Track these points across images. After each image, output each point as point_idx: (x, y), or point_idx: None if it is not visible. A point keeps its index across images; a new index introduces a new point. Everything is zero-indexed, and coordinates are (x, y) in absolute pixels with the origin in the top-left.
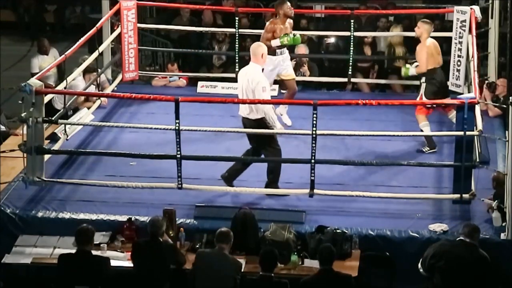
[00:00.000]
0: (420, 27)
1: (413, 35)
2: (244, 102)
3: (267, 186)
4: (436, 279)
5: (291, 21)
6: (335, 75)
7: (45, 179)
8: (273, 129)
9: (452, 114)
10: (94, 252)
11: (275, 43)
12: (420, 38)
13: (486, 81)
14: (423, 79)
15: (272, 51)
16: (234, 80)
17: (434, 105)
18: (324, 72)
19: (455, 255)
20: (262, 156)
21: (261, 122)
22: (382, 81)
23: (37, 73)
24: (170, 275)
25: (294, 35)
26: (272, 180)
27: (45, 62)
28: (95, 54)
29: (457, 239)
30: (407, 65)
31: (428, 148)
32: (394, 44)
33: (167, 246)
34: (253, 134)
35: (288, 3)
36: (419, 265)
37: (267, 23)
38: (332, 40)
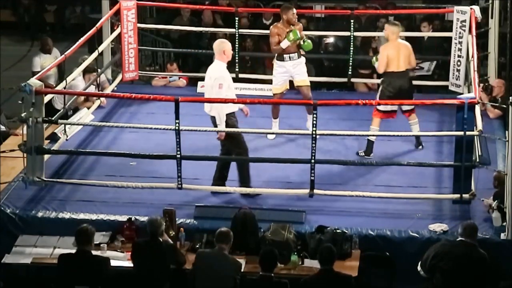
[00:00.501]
0: (386, 29)
1: (414, 35)
2: (244, 102)
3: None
4: (437, 279)
5: (301, 25)
6: (335, 75)
7: (45, 179)
8: (220, 127)
9: (413, 121)
10: (94, 252)
11: (284, 44)
12: (388, 40)
13: (482, 84)
14: (381, 81)
15: (280, 57)
16: (234, 80)
17: (392, 110)
18: (324, 72)
19: (456, 255)
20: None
21: (228, 117)
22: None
23: (38, 71)
24: (170, 275)
25: (304, 41)
26: (242, 181)
27: (47, 61)
28: (95, 54)
29: (457, 239)
30: (374, 59)
31: (363, 153)
32: None
33: (166, 246)
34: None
35: (293, 10)
36: (419, 267)
37: (271, 27)
38: (331, 40)
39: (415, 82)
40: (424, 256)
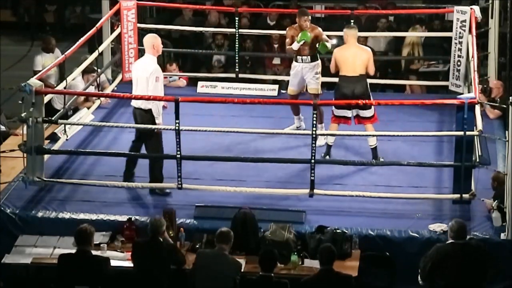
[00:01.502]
0: (344, 32)
1: (415, 35)
2: (244, 102)
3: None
4: (438, 284)
5: (319, 30)
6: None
7: (45, 179)
8: (156, 121)
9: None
10: (94, 252)
11: (295, 46)
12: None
13: (480, 86)
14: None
15: (294, 58)
16: (234, 80)
17: (344, 116)
18: (324, 72)
19: (453, 259)
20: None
21: (151, 113)
22: (382, 81)
23: (40, 71)
24: (170, 275)
25: (319, 44)
26: (154, 178)
27: (48, 61)
28: (95, 54)
29: (448, 242)
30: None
31: (324, 155)
32: (416, 44)
33: (167, 246)
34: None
35: (306, 16)
36: (420, 280)
37: (287, 29)
38: (334, 41)
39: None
40: (421, 267)
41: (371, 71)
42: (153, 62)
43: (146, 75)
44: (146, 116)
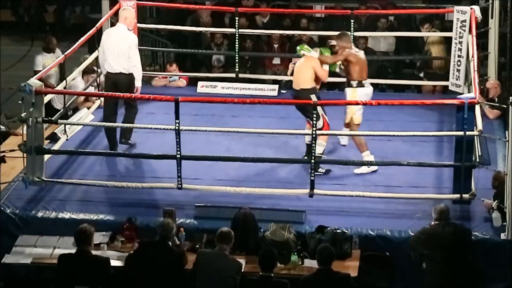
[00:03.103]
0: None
1: (417, 35)
2: (244, 102)
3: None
4: (427, 266)
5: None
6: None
7: (45, 179)
8: (138, 84)
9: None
10: (94, 252)
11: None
12: None
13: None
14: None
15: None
16: (234, 80)
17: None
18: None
19: (438, 236)
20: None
21: (132, 77)
22: (382, 81)
23: (40, 70)
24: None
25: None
26: (125, 139)
27: (49, 61)
28: (95, 54)
29: (432, 224)
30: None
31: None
32: (436, 44)
33: (177, 250)
34: (124, 86)
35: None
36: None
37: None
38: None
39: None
40: (410, 240)
41: (322, 78)
42: (130, 31)
43: (128, 42)
44: (127, 78)
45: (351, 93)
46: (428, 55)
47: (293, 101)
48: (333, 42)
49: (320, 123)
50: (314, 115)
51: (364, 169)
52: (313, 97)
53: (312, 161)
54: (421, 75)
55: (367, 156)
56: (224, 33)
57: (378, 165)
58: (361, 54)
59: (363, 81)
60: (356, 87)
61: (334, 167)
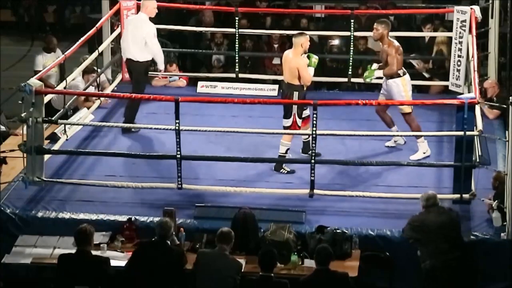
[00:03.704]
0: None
1: (414, 35)
2: (244, 102)
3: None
4: (421, 251)
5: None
6: (338, 75)
7: (45, 179)
8: (161, 67)
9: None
10: (94, 252)
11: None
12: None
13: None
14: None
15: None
16: (234, 80)
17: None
18: (326, 72)
19: (429, 220)
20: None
21: (146, 64)
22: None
23: (40, 70)
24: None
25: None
26: (129, 118)
27: (49, 61)
28: (95, 54)
29: (422, 211)
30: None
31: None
32: (446, 43)
33: (176, 250)
34: (134, 71)
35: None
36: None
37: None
38: (336, 42)
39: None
40: (404, 228)
41: (303, 80)
42: (147, 19)
43: (138, 31)
44: (138, 65)
45: (401, 82)
46: (439, 55)
47: (293, 101)
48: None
49: (289, 121)
50: (314, 115)
51: (420, 154)
52: (295, 94)
53: (312, 161)
54: (426, 75)
55: (422, 143)
56: (224, 33)
57: (378, 165)
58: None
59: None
60: (403, 75)
61: (334, 167)
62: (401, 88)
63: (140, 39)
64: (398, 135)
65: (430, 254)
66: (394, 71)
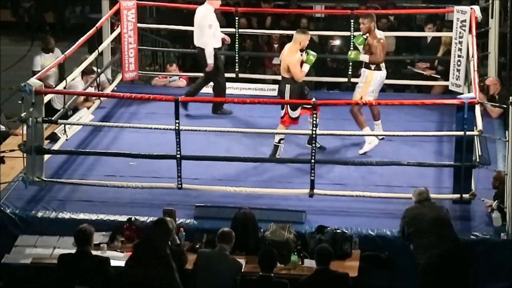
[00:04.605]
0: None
1: (414, 35)
2: (244, 102)
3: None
4: (414, 245)
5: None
6: (338, 75)
7: (45, 179)
8: (209, 61)
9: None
10: (94, 252)
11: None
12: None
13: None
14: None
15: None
16: (234, 80)
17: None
18: (326, 72)
19: (422, 216)
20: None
21: (203, 52)
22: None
23: (39, 71)
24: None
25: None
26: (217, 94)
27: (48, 61)
28: (95, 54)
29: (414, 205)
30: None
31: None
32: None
33: (176, 250)
34: (200, 58)
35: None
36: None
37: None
38: (337, 42)
39: (415, 82)
40: (400, 230)
41: (294, 77)
42: (207, 11)
43: (199, 20)
44: (199, 52)
45: (367, 74)
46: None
47: (293, 101)
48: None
49: (282, 112)
50: (314, 115)
51: (367, 147)
52: (287, 87)
53: (312, 161)
54: (436, 76)
55: (367, 131)
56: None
57: (378, 165)
58: (383, 35)
59: (381, 64)
60: (374, 70)
61: (334, 167)
62: (364, 79)
63: (199, 28)
64: (397, 135)
65: (424, 247)
66: (379, 60)
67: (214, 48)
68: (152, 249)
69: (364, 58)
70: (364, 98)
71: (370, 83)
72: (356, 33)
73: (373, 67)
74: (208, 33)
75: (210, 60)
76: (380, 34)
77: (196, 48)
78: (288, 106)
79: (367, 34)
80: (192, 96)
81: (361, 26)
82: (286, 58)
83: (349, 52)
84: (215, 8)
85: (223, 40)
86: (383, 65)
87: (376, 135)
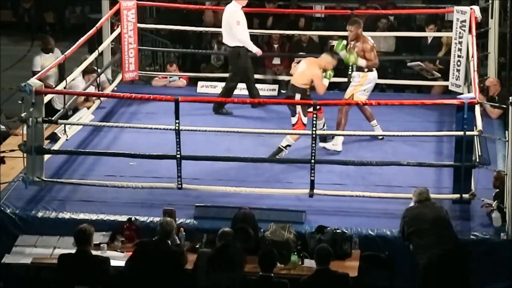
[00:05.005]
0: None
1: (417, 35)
2: (244, 102)
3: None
4: (413, 245)
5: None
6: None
7: (45, 179)
8: (253, 50)
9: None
10: (94, 252)
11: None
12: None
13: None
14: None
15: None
16: None
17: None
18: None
19: (422, 215)
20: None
21: (237, 49)
22: (382, 81)
23: (39, 71)
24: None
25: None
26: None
27: (48, 61)
28: (95, 54)
29: (414, 205)
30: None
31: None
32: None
33: (176, 250)
34: (228, 56)
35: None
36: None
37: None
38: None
39: (415, 82)
40: (400, 230)
41: (317, 90)
42: (235, 8)
43: (227, 18)
44: (232, 51)
45: (360, 76)
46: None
47: (293, 101)
48: (334, 43)
49: (294, 119)
50: (314, 115)
51: (330, 146)
52: (297, 96)
53: (312, 161)
54: (437, 74)
55: (340, 136)
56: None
57: (378, 165)
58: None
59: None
60: (368, 71)
61: (334, 167)
62: (357, 80)
63: (228, 26)
64: (397, 135)
65: (424, 247)
66: (376, 64)
67: (241, 47)
68: (152, 249)
69: (362, 62)
70: (356, 96)
71: (363, 84)
72: (334, 42)
73: (366, 69)
74: (238, 29)
75: (253, 48)
76: (370, 38)
77: (226, 46)
78: (301, 113)
79: (353, 42)
80: (227, 97)
81: (349, 33)
82: (310, 70)
83: (347, 55)
84: (242, 6)
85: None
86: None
87: (377, 135)
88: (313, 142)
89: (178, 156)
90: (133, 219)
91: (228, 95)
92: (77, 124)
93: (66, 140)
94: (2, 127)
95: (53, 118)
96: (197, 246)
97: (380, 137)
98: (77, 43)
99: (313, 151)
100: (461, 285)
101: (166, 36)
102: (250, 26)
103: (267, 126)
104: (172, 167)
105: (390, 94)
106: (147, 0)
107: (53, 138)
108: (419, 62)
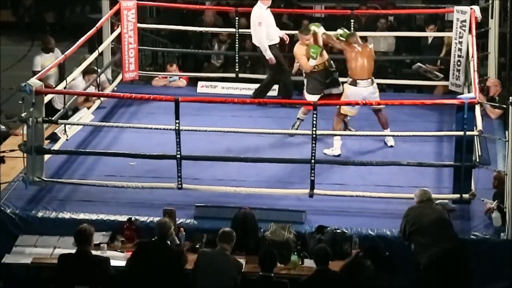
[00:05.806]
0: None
1: (416, 35)
2: (244, 102)
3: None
4: (418, 241)
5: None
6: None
7: (45, 179)
8: (267, 56)
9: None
10: (94, 252)
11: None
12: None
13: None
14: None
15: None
16: (234, 80)
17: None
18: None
19: (423, 215)
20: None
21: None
22: (382, 81)
23: (39, 71)
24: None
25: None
26: (286, 94)
27: (48, 61)
28: (95, 54)
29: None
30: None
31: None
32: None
33: (175, 250)
34: (264, 59)
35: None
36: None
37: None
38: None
39: (415, 82)
40: (400, 229)
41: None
42: (259, 9)
43: (252, 18)
44: (260, 50)
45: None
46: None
47: (293, 101)
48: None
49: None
50: (314, 115)
51: (329, 151)
52: (305, 80)
53: (312, 161)
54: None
55: (337, 141)
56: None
57: (378, 165)
58: (366, 50)
59: (359, 80)
60: (349, 84)
61: (334, 167)
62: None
63: (252, 26)
64: (397, 135)
65: (425, 246)
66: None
67: (270, 45)
68: (151, 250)
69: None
70: (341, 108)
71: (346, 97)
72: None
73: (349, 81)
74: (257, 31)
75: (267, 54)
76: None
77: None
78: (305, 91)
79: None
80: (260, 97)
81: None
82: (294, 53)
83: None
84: (267, 6)
85: (281, 38)
86: (361, 81)
87: (378, 135)
88: (313, 142)
89: (178, 156)
90: (133, 219)
91: (288, 94)
92: (77, 124)
93: (66, 140)
94: (2, 127)
95: (53, 118)
96: (197, 246)
97: (390, 144)
98: (77, 43)
99: (313, 151)
100: (461, 284)
101: (166, 36)
102: (250, 26)
103: (267, 126)
104: (172, 167)
105: (390, 94)
106: (147, 0)
107: (53, 138)
108: (420, 64)
